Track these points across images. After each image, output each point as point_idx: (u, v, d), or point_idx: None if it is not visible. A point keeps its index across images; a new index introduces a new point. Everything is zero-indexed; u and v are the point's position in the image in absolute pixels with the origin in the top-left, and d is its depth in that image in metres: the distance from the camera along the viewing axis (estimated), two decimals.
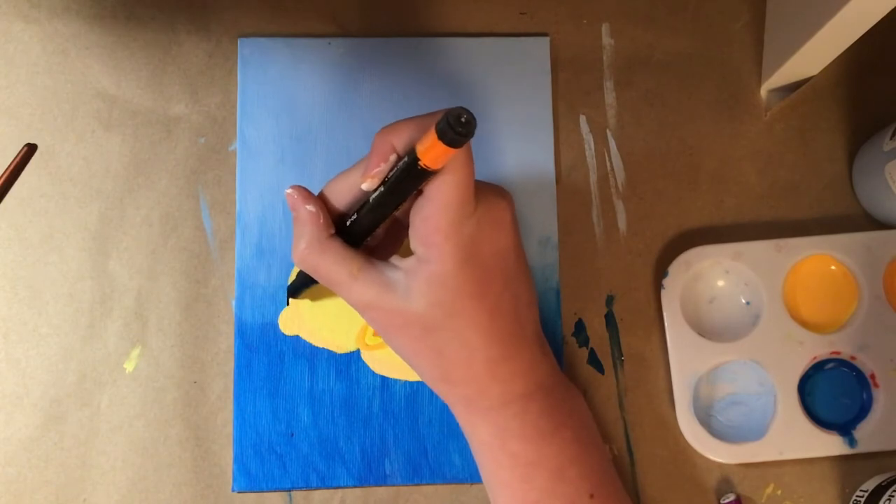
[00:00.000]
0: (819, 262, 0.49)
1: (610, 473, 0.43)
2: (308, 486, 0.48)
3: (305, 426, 0.48)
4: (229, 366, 0.49)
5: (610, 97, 0.52)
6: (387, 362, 0.49)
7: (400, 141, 0.37)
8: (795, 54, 0.47)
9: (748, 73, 0.52)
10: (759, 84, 0.52)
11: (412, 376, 0.48)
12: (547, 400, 0.41)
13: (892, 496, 0.45)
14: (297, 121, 0.50)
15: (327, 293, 0.48)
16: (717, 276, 0.50)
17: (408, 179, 0.36)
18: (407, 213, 0.38)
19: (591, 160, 0.51)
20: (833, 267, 0.50)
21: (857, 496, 0.47)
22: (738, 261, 0.49)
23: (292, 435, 0.48)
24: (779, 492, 0.49)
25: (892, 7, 0.42)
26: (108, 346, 0.49)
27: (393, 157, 0.37)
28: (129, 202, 0.50)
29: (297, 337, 0.49)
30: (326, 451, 0.48)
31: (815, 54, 0.47)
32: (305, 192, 0.40)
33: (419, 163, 0.34)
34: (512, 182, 0.50)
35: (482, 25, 0.52)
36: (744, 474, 0.49)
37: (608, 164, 0.51)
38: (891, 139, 0.48)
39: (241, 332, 0.49)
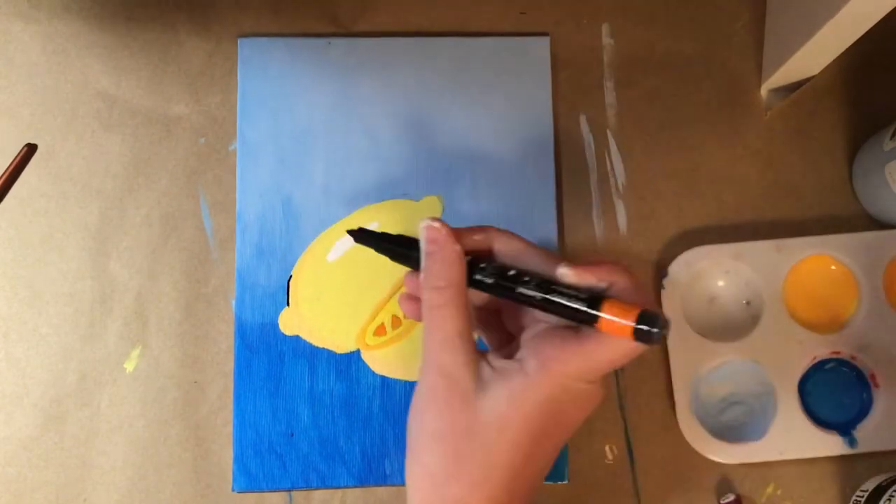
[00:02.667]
0: (819, 262, 0.49)
1: None
2: (308, 486, 0.48)
3: (305, 426, 0.48)
4: (229, 366, 0.49)
5: (610, 97, 0.52)
6: (387, 362, 0.49)
7: (620, 285, 0.35)
8: (795, 54, 0.47)
9: (748, 73, 0.52)
10: (759, 84, 0.52)
11: (412, 376, 0.48)
12: None
13: (893, 496, 0.45)
14: (296, 120, 0.50)
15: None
16: (717, 276, 0.50)
17: (577, 312, 0.35)
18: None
19: (591, 159, 0.51)
20: (833, 267, 0.50)
21: (857, 496, 0.47)
22: (738, 261, 0.49)
23: (292, 435, 0.48)
24: (779, 492, 0.49)
25: (892, 7, 0.42)
26: (109, 345, 0.49)
27: (603, 285, 0.35)
28: (129, 202, 0.50)
29: (297, 337, 0.49)
30: (326, 451, 0.48)
31: (815, 54, 0.47)
32: (452, 232, 0.37)
33: (596, 324, 0.34)
34: (511, 182, 0.50)
35: (482, 25, 0.52)
36: (744, 474, 0.49)
37: (608, 163, 0.51)
38: (891, 139, 0.48)
39: (241, 331, 0.49)
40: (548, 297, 0.35)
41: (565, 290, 0.35)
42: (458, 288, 0.37)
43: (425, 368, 0.38)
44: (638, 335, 0.33)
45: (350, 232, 0.40)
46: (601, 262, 0.36)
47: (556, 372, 0.36)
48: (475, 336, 0.38)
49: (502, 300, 0.38)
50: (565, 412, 0.37)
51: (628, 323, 0.33)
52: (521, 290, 0.36)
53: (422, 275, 0.37)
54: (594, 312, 0.34)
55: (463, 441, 0.37)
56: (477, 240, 0.38)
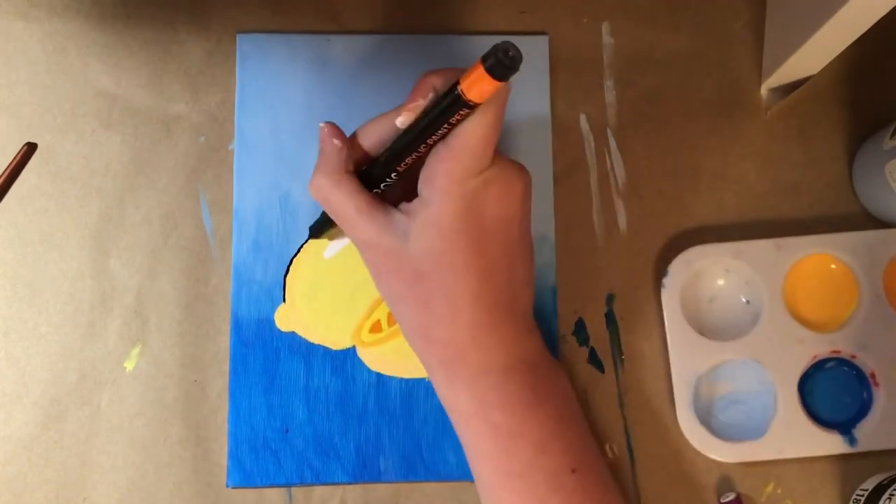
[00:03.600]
0: (819, 261, 0.50)
1: (592, 450, 0.43)
2: (303, 482, 0.48)
3: (300, 422, 0.48)
4: (229, 364, 0.49)
5: (610, 96, 0.52)
6: (383, 359, 0.49)
7: (441, 82, 0.38)
8: (795, 54, 0.47)
9: (748, 72, 0.52)
10: (759, 83, 0.52)
11: (408, 373, 0.48)
12: (529, 374, 0.41)
13: (893, 495, 0.45)
14: (295, 117, 0.50)
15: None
16: (717, 275, 0.50)
17: (442, 115, 0.36)
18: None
19: (591, 159, 0.51)
20: (833, 266, 0.50)
21: (858, 495, 0.47)
22: (738, 260, 0.49)
23: (287, 431, 0.48)
24: (779, 490, 0.49)
25: (892, 7, 0.42)
26: (109, 344, 0.49)
27: (431, 96, 0.37)
28: (129, 201, 0.50)
29: (293, 333, 0.49)
30: (321, 447, 0.48)
31: (815, 54, 0.47)
32: (336, 129, 0.41)
33: (458, 89, 0.35)
34: None
35: (482, 23, 0.52)
36: (744, 473, 0.49)
37: (608, 163, 0.51)
38: (891, 138, 0.48)
39: (237, 328, 0.49)
40: (409, 134, 0.38)
41: (421, 117, 0.38)
42: (339, 173, 0.40)
43: (358, 250, 0.41)
44: (493, 69, 0.33)
45: (311, 236, 0.48)
46: (416, 87, 0.39)
47: (445, 184, 0.37)
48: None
49: (407, 175, 0.41)
50: (487, 211, 0.38)
51: (477, 66, 0.34)
52: (395, 142, 0.39)
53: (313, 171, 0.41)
54: (455, 88, 0.35)
55: (418, 289, 0.39)
56: (362, 142, 0.41)
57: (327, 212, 0.41)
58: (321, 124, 0.41)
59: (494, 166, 0.38)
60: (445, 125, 0.37)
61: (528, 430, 0.40)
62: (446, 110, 0.36)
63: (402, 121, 0.38)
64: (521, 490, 0.40)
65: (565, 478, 0.40)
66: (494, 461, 0.40)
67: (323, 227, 0.47)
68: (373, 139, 0.41)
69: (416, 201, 0.39)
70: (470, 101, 0.35)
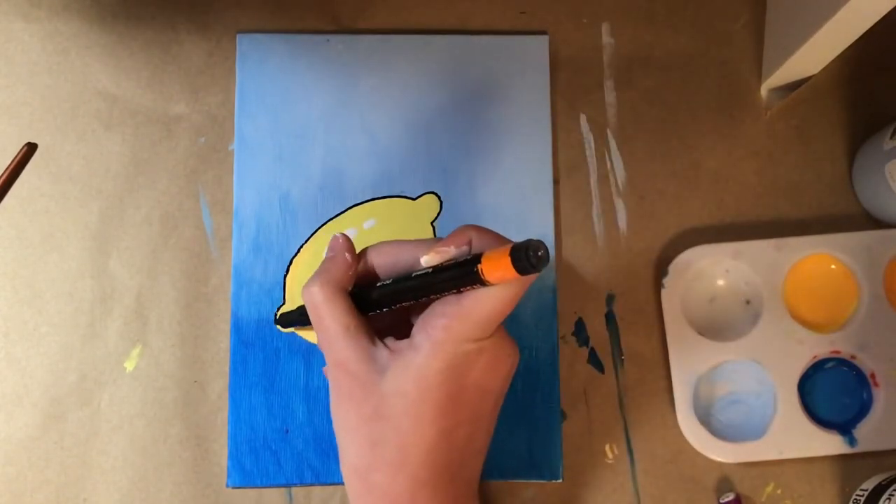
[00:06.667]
0: (819, 261, 0.50)
1: None
2: (302, 483, 0.48)
3: (300, 422, 0.48)
4: (229, 365, 0.49)
5: (610, 96, 0.52)
6: None
7: (478, 240, 0.36)
8: (795, 54, 0.47)
9: (748, 72, 0.52)
10: (759, 84, 0.52)
11: None
12: None
13: (892, 495, 0.45)
14: (295, 117, 0.50)
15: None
16: (717, 275, 0.50)
17: (459, 276, 0.35)
18: (424, 306, 0.38)
19: (591, 159, 0.51)
20: (833, 266, 0.50)
21: (857, 495, 0.47)
22: (738, 260, 0.49)
23: (287, 431, 0.48)
24: (779, 491, 0.49)
25: (892, 7, 0.42)
26: (109, 345, 0.49)
27: (465, 249, 0.36)
28: (129, 201, 0.50)
29: (293, 333, 0.49)
30: (321, 447, 0.48)
31: (815, 54, 0.47)
32: (350, 244, 0.40)
33: (478, 268, 0.34)
34: (509, 180, 0.50)
35: (481, 23, 0.52)
36: (744, 473, 0.49)
37: (608, 163, 0.51)
38: (891, 138, 0.48)
39: (237, 328, 0.49)
40: (429, 272, 0.36)
41: (440, 266, 0.36)
42: (337, 286, 0.38)
43: (329, 367, 0.39)
44: (518, 263, 0.33)
45: (278, 322, 0.48)
46: (453, 233, 0.37)
47: (442, 338, 0.36)
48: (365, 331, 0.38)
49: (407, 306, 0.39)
50: (470, 377, 0.37)
51: (504, 251, 0.33)
52: (403, 280, 0.37)
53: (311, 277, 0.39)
54: (477, 260, 0.34)
55: (374, 427, 0.37)
56: (372, 262, 0.40)
57: (313, 321, 0.39)
58: (336, 234, 0.40)
59: (493, 338, 0.37)
60: (454, 290, 0.36)
61: None
62: (463, 275, 0.35)
63: (428, 260, 0.36)
64: None
65: None
66: None
67: (294, 322, 0.46)
68: (384, 260, 0.39)
69: (405, 342, 0.37)
70: (487, 281, 0.34)
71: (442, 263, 0.36)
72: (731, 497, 0.48)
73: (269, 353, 0.48)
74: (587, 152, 0.51)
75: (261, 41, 0.51)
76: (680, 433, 0.48)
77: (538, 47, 0.51)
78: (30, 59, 0.51)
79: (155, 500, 0.48)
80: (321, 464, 0.48)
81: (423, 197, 0.50)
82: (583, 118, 0.52)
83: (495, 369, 0.38)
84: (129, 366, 0.49)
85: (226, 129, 0.51)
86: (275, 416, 0.48)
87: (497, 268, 0.33)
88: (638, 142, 0.51)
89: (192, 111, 0.51)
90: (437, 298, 0.37)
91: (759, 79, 0.52)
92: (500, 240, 0.36)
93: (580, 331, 0.50)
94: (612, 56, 0.52)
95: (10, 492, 0.47)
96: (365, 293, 0.39)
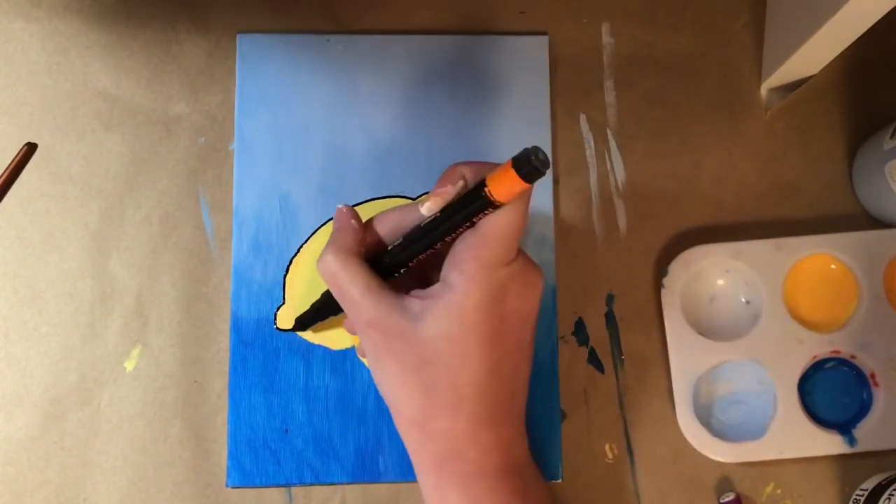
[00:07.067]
0: (819, 261, 0.50)
1: None
2: (302, 483, 0.48)
3: (300, 422, 0.48)
4: (229, 364, 0.49)
5: (610, 96, 0.52)
6: None
7: (471, 173, 0.37)
8: (795, 54, 0.47)
9: (748, 72, 0.52)
10: (759, 84, 0.52)
11: None
12: (521, 481, 0.39)
13: (892, 495, 0.45)
14: (295, 117, 0.50)
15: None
16: (717, 275, 0.50)
17: (467, 208, 0.36)
18: (441, 257, 0.38)
19: (591, 159, 0.51)
20: (833, 266, 0.50)
21: (857, 495, 0.47)
22: (738, 260, 0.49)
23: (287, 431, 0.48)
24: (779, 491, 0.49)
25: (892, 7, 0.42)
26: (109, 345, 0.49)
27: (461, 184, 0.37)
28: (129, 201, 0.50)
29: (293, 333, 0.49)
30: (321, 447, 0.48)
31: (815, 54, 0.47)
32: (353, 211, 0.40)
33: (485, 191, 0.35)
34: None
35: (481, 23, 0.52)
36: (744, 473, 0.49)
37: (608, 163, 0.51)
38: (891, 138, 0.48)
39: (237, 327, 0.49)
40: (437, 216, 0.37)
41: (446, 208, 0.37)
42: (350, 252, 0.39)
43: (360, 331, 0.39)
44: (517, 166, 0.34)
45: (294, 328, 0.48)
46: (444, 175, 0.38)
47: (475, 270, 0.36)
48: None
49: (416, 270, 0.40)
50: (508, 305, 0.37)
51: (506, 165, 0.34)
52: (415, 233, 0.38)
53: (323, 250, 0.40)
54: (482, 185, 0.35)
55: (423, 375, 0.37)
56: (376, 229, 0.41)
57: (333, 291, 0.40)
58: (339, 206, 0.41)
59: (518, 261, 0.37)
60: (467, 223, 0.37)
61: None
62: (472, 206, 0.36)
63: (430, 207, 0.37)
64: None
65: None
66: None
67: (311, 319, 0.46)
68: (389, 227, 0.40)
69: (437, 285, 0.37)
70: (497, 201, 0.35)
71: (445, 206, 0.37)
72: (731, 497, 0.48)
73: (268, 352, 0.48)
74: (587, 152, 0.51)
75: (261, 41, 0.51)
76: (680, 433, 0.48)
77: (538, 47, 0.51)
78: (30, 59, 0.51)
79: (155, 500, 0.48)
80: (321, 463, 0.48)
81: (423, 197, 0.50)
82: (583, 118, 0.52)
83: (528, 292, 0.38)
84: (129, 366, 0.49)
85: (226, 128, 0.51)
86: (274, 415, 0.48)
87: (504, 184, 0.34)
88: (638, 142, 0.51)
89: (192, 111, 0.51)
90: (452, 241, 0.37)
91: (759, 79, 0.52)
92: (490, 165, 0.37)
93: (580, 331, 0.50)
94: (612, 56, 0.52)
95: (10, 492, 0.47)
96: (378, 261, 0.40)
